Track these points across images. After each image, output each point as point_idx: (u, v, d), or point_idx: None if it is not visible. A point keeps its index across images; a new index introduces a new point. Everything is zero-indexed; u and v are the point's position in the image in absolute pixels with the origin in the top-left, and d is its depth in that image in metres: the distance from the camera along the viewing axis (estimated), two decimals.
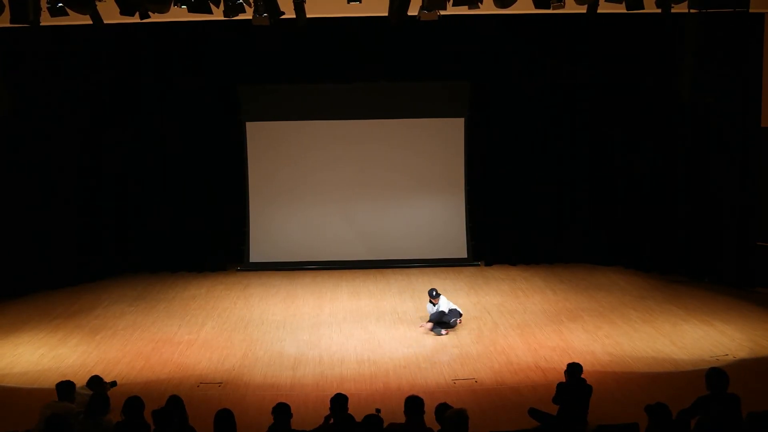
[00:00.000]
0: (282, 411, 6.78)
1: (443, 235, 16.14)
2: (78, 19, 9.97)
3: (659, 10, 10.04)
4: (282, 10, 10.03)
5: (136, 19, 9.98)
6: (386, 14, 10.62)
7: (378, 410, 7.65)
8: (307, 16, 10.41)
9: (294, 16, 10.35)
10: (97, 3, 9.60)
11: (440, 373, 10.06)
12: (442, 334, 11.48)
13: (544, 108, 15.59)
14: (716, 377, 7.02)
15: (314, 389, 9.53)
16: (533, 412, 8.08)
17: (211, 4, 9.90)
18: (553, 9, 10.14)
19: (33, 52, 13.80)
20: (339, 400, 6.90)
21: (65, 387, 7.70)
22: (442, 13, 10.07)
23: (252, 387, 9.70)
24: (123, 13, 9.63)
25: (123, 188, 15.54)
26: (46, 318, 12.75)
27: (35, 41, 13.56)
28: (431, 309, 11.83)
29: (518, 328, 11.81)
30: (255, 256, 16.07)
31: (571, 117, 15.62)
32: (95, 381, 8.55)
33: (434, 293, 11.78)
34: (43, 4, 9.45)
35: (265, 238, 16.09)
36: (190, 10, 9.90)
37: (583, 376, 8.03)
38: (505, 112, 15.63)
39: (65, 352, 11.04)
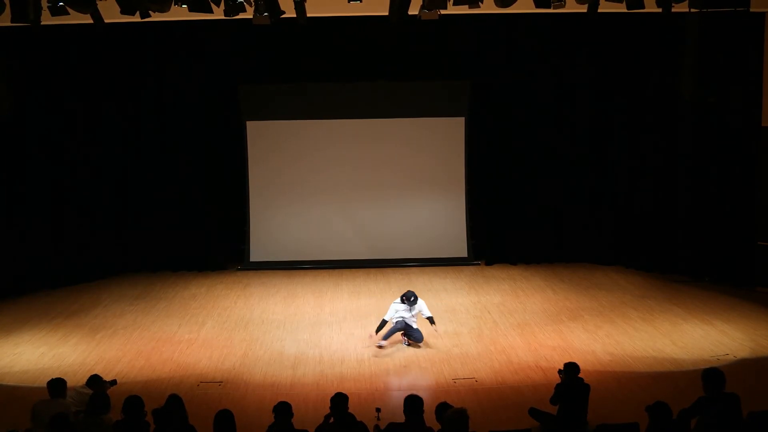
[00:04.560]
0: (283, 410, 6.78)
1: (443, 235, 16.14)
2: (78, 19, 9.97)
3: (660, 10, 10.05)
4: (282, 9, 10.03)
5: (136, 18, 9.98)
6: (386, 14, 10.62)
7: (378, 409, 7.67)
8: (308, 15, 10.41)
9: (294, 16, 10.35)
10: (97, 2, 9.61)
11: (440, 372, 10.06)
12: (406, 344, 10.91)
13: (544, 107, 15.57)
14: (713, 377, 7.01)
15: (314, 388, 9.53)
16: (534, 412, 8.08)
17: (211, 4, 9.90)
18: (554, 8, 10.15)
19: (33, 52, 13.80)
20: (339, 400, 6.89)
21: (56, 384, 7.73)
22: (443, 12, 10.08)
23: (252, 386, 9.70)
24: (123, 12, 9.64)
25: (123, 188, 15.53)
26: (46, 317, 12.75)
27: (35, 40, 13.55)
28: (400, 312, 10.90)
29: (519, 328, 11.81)
30: (255, 256, 16.06)
31: (572, 116, 15.60)
32: (94, 380, 8.55)
33: (412, 298, 10.90)
34: (44, 4, 9.46)
35: (266, 237, 16.09)
36: (191, 9, 9.90)
37: (583, 375, 8.03)
38: (505, 111, 15.62)
39: (65, 351, 11.04)
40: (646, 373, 9.86)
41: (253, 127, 15.90)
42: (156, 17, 10.23)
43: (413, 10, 10.23)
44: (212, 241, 15.91)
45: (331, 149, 15.97)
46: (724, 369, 7.29)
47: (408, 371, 10.17)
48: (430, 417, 6.66)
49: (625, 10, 10.28)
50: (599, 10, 10.33)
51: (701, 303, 12.89)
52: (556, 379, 8.31)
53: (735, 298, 13.18)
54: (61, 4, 9.51)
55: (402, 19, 10.35)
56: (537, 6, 10.02)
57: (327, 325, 12.21)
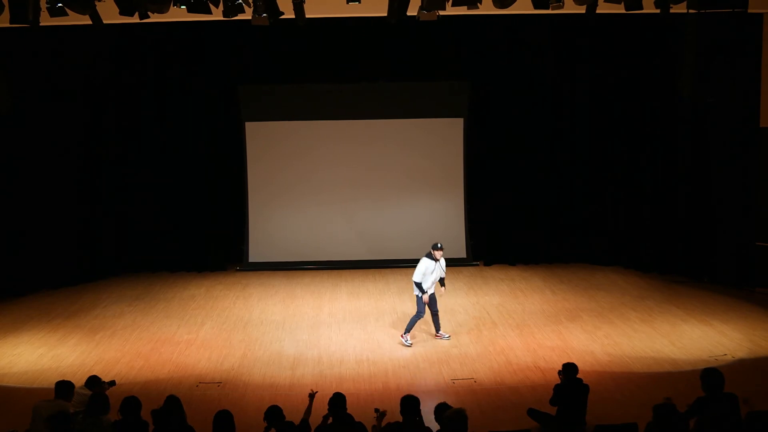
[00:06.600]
0: (274, 415, 6.79)
1: (442, 235, 15.93)
2: (77, 19, 9.98)
3: (658, 11, 10.05)
4: (281, 10, 10.04)
5: (135, 19, 9.98)
6: (386, 14, 10.62)
7: (377, 410, 7.66)
8: (307, 16, 10.41)
9: (293, 16, 10.36)
10: (96, 3, 9.61)
11: (439, 372, 10.07)
12: (444, 338, 11.35)
13: (543, 108, 15.58)
14: (711, 378, 7.01)
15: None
16: (532, 413, 8.08)
17: (210, 5, 9.89)
18: (552, 9, 10.14)
19: (33, 52, 13.81)
20: (338, 400, 6.90)
21: (64, 386, 7.75)
22: (442, 13, 10.08)
23: (251, 387, 9.71)
24: (122, 13, 9.64)
25: (123, 188, 15.53)
26: (45, 318, 12.76)
27: (35, 41, 13.56)
28: (429, 272, 11.00)
29: (517, 328, 11.81)
30: (254, 256, 16.07)
31: (571, 117, 15.61)
32: (93, 381, 8.54)
33: (439, 245, 11.02)
34: (43, 4, 9.46)
35: (265, 238, 16.09)
36: (190, 10, 9.89)
37: (582, 376, 8.04)
38: (505, 112, 15.62)
39: (64, 352, 11.05)
40: (644, 374, 9.87)
41: (252, 128, 15.90)
42: (155, 18, 10.23)
43: (412, 11, 10.24)
44: (211, 241, 15.91)
45: (330, 150, 15.97)
46: (723, 369, 7.29)
47: (406, 372, 10.17)
48: (429, 417, 6.67)
49: (624, 11, 10.28)
50: (597, 11, 10.33)
51: (700, 303, 12.90)
52: (555, 379, 8.32)
53: (734, 298, 13.19)
54: (60, 5, 9.51)
55: (401, 19, 10.35)
56: (535, 7, 10.01)
57: (326, 325, 12.21)
